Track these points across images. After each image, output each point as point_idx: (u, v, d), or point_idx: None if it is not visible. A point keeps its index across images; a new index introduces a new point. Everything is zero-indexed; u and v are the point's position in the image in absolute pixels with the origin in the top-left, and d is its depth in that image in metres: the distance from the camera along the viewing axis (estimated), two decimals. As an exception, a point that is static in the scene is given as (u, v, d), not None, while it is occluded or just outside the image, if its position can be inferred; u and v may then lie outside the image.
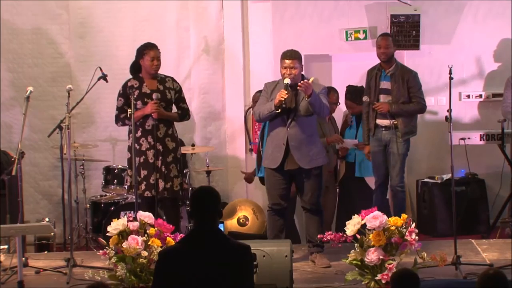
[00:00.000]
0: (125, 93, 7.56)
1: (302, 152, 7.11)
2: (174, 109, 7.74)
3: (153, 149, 7.47)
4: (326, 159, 7.36)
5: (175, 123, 7.71)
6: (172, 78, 7.73)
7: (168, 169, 7.51)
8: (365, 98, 8.11)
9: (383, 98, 7.93)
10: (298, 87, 6.97)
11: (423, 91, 7.98)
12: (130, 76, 7.69)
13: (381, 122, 7.95)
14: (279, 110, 7.01)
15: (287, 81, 7.03)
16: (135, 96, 7.38)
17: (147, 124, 7.49)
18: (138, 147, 7.45)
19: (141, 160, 7.47)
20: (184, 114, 7.74)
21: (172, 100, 7.61)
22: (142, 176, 7.46)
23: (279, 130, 7.15)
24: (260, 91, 7.56)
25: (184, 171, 8.36)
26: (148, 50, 7.54)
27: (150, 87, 7.55)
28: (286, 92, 6.96)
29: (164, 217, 7.38)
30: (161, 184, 7.47)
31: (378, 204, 7.46)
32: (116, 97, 7.68)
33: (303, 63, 7.24)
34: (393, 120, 7.85)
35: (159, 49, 7.61)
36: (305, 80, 6.96)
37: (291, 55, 7.10)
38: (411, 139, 8.25)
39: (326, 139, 8.21)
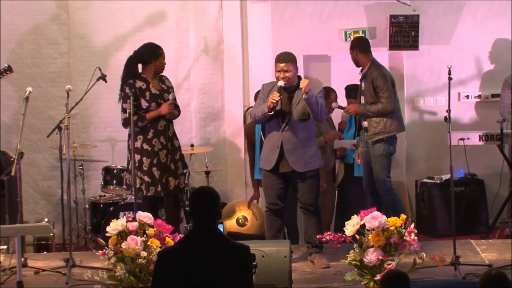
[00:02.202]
0: (133, 94, 7.36)
1: (296, 155, 7.11)
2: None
3: (165, 149, 7.44)
4: (321, 162, 7.33)
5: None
6: (166, 76, 7.70)
7: (176, 166, 7.49)
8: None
9: (362, 99, 7.97)
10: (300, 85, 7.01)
11: (391, 90, 7.75)
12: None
13: (363, 123, 7.97)
14: (272, 113, 7.03)
15: (281, 83, 7.05)
16: (147, 98, 7.36)
17: (159, 124, 7.44)
18: (150, 148, 7.38)
19: (154, 161, 7.39)
20: (179, 111, 7.73)
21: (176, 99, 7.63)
22: (157, 177, 7.38)
23: (274, 133, 7.17)
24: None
25: (184, 171, 8.36)
26: (162, 51, 7.53)
27: (156, 87, 7.50)
28: (278, 94, 6.97)
29: (164, 217, 7.39)
30: (172, 182, 7.45)
31: (370, 204, 7.49)
32: (120, 99, 7.49)
33: (297, 65, 7.22)
34: (365, 122, 7.88)
35: None
36: (302, 80, 7.04)
37: (284, 58, 7.11)
38: (409, 140, 8.25)
39: (324, 137, 8.20)
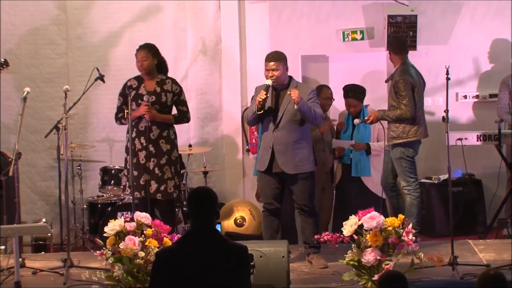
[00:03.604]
0: (124, 92, 7.56)
1: (287, 156, 7.10)
2: (175, 111, 7.72)
3: (144, 150, 7.44)
4: (313, 166, 7.25)
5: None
6: (173, 80, 7.66)
7: (161, 171, 7.47)
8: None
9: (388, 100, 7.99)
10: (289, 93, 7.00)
11: (411, 96, 7.64)
12: (131, 76, 7.68)
13: None
14: (261, 112, 7.03)
15: (268, 82, 7.07)
16: (131, 97, 7.39)
17: (140, 125, 7.47)
18: (133, 147, 7.43)
19: (134, 160, 7.43)
20: (182, 116, 7.68)
21: (167, 103, 7.55)
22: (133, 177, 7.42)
23: (267, 133, 7.19)
24: None
25: (182, 171, 8.35)
26: (136, 53, 7.55)
27: (148, 88, 7.53)
28: (265, 93, 6.99)
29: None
30: (154, 186, 7.43)
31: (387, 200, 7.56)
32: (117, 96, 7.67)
33: (287, 65, 7.19)
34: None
35: (147, 49, 7.51)
36: (291, 90, 7.00)
37: (273, 57, 7.13)
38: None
39: (319, 129, 8.16)
